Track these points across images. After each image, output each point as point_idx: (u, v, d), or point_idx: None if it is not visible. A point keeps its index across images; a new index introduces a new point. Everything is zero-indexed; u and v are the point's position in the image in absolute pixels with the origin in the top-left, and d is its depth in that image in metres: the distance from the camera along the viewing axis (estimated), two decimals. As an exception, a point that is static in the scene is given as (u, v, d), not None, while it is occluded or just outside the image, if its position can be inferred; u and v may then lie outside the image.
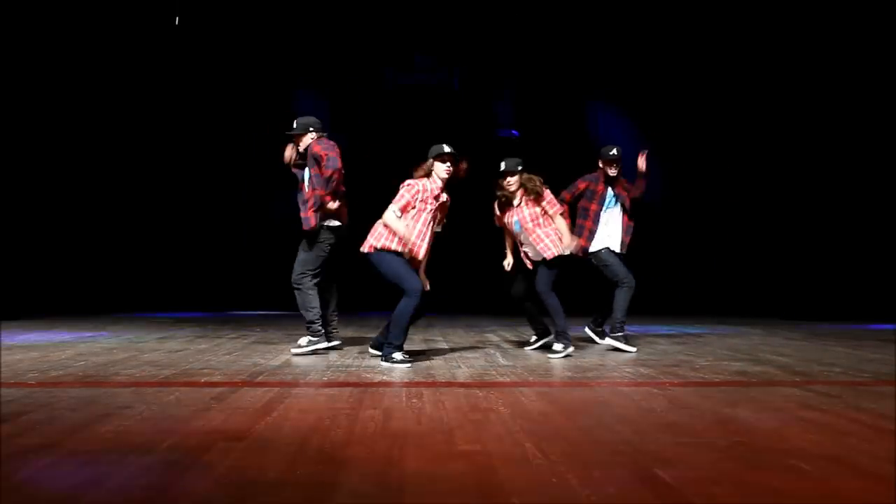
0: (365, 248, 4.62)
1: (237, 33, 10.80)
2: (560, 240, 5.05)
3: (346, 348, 5.44)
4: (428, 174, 4.70)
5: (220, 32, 10.74)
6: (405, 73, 10.97)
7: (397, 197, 4.64)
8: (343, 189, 5.16)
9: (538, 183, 5.10)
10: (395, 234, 4.54)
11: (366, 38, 10.82)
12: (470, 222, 7.38)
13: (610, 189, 5.68)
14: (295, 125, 5.19)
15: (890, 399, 3.31)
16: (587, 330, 6.01)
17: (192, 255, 11.08)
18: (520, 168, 5.13)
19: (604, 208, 5.64)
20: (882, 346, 5.77)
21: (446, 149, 4.67)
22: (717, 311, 10.35)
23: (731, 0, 10.51)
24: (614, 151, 5.67)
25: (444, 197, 4.75)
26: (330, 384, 3.71)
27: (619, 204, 5.69)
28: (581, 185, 5.69)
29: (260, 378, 3.90)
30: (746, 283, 11.18)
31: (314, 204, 4.99)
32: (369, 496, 1.88)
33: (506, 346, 5.77)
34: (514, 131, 11.11)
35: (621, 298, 5.48)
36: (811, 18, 10.29)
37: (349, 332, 6.79)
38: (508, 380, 3.91)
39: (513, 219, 5.16)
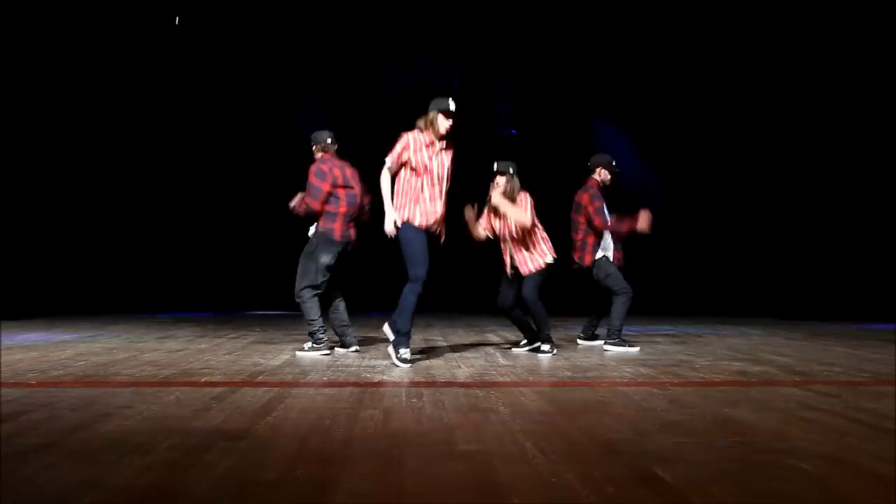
0: (399, 222, 4.49)
1: (237, 33, 10.79)
2: (541, 255, 5.14)
3: (345, 348, 5.44)
4: (427, 125, 4.57)
5: (219, 32, 10.73)
6: (405, 73, 10.97)
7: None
8: (358, 212, 5.12)
9: (516, 190, 5.10)
10: (414, 203, 4.49)
11: (366, 38, 10.82)
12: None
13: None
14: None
15: (890, 399, 3.31)
16: (580, 342, 5.97)
17: (192, 256, 11.07)
18: (511, 171, 5.10)
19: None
20: (882, 346, 5.77)
21: (452, 106, 4.56)
22: (717, 311, 10.35)
23: (732, 1, 10.51)
24: (614, 163, 5.74)
25: (439, 146, 4.57)
26: (330, 384, 3.71)
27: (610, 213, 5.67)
28: (597, 203, 5.55)
29: (260, 378, 3.90)
30: (746, 283, 11.18)
31: (304, 211, 5.07)
32: (369, 496, 1.89)
33: (506, 346, 5.77)
34: (513, 131, 11.10)
35: (620, 307, 5.48)
36: (810, 18, 10.29)
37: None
38: (508, 380, 3.91)
39: (499, 224, 5.21)
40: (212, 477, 2.03)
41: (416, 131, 4.57)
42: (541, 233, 5.27)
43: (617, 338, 5.41)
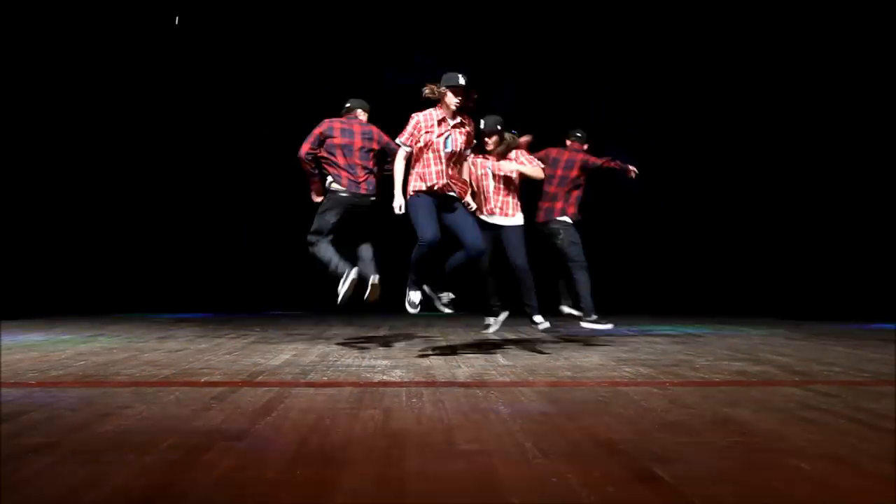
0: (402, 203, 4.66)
1: (237, 32, 10.79)
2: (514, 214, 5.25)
3: (345, 348, 5.44)
4: (437, 101, 4.61)
5: (219, 31, 10.73)
6: (405, 73, 10.97)
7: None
8: (337, 158, 5.30)
9: (510, 146, 5.18)
10: (421, 177, 4.57)
11: (366, 38, 10.81)
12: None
13: None
14: None
15: (890, 399, 3.31)
16: (566, 308, 6.03)
17: (192, 256, 11.06)
18: (499, 128, 5.13)
19: None
20: (882, 346, 5.77)
21: (461, 80, 4.55)
22: (717, 311, 10.35)
23: (731, 1, 10.52)
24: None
25: (451, 122, 4.61)
26: (330, 384, 3.71)
27: None
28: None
29: (260, 378, 3.90)
30: (746, 283, 11.17)
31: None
32: (369, 496, 1.89)
33: (506, 346, 5.77)
34: (513, 131, 11.09)
35: (587, 281, 5.67)
36: (810, 18, 10.29)
37: (349, 332, 6.79)
38: (508, 380, 3.91)
39: (482, 168, 5.23)
40: (212, 477, 2.03)
41: (426, 110, 4.61)
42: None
43: (594, 314, 5.65)
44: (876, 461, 2.22)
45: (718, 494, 1.89)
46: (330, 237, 5.26)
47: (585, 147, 6.13)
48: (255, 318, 8.60)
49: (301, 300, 9.95)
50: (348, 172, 5.26)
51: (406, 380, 3.87)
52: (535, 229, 5.85)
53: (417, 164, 4.67)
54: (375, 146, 5.38)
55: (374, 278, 5.23)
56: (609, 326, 5.78)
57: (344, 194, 5.25)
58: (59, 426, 2.66)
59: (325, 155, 5.34)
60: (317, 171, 5.39)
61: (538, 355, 5.07)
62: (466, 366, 4.47)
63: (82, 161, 10.46)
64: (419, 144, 4.62)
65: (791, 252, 11.00)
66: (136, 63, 10.65)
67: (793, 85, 10.83)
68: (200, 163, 11.16)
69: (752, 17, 10.53)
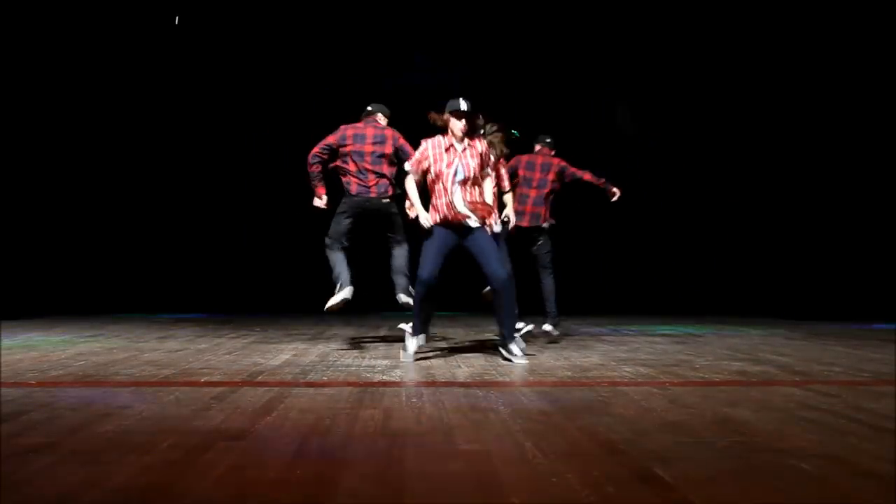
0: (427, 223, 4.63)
1: (237, 32, 10.79)
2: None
3: (345, 348, 5.44)
4: (444, 129, 4.60)
5: (219, 31, 10.73)
6: (405, 72, 10.96)
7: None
8: (347, 165, 5.29)
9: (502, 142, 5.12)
10: (435, 208, 4.56)
11: (366, 38, 10.81)
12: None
13: None
14: None
15: (890, 399, 3.31)
16: (549, 328, 6.08)
17: (192, 256, 11.06)
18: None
19: None
20: (882, 346, 5.77)
21: (463, 105, 4.53)
22: (717, 311, 10.35)
23: (731, 1, 10.52)
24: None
25: (459, 148, 4.54)
26: (330, 384, 3.71)
27: None
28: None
29: (260, 378, 3.90)
30: (746, 283, 11.17)
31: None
32: (369, 496, 1.89)
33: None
34: (513, 131, 11.08)
35: (553, 284, 5.84)
36: (810, 18, 10.29)
37: (349, 332, 6.79)
38: (508, 380, 3.92)
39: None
40: (212, 477, 2.03)
41: (435, 137, 4.61)
42: None
43: (555, 316, 5.94)
44: (876, 461, 2.22)
45: (718, 494, 1.89)
46: (344, 242, 5.29)
47: (553, 153, 6.20)
48: (256, 318, 8.59)
49: (301, 300, 9.97)
50: (358, 179, 5.24)
51: (406, 380, 3.87)
52: (519, 233, 5.84)
53: (431, 195, 4.66)
54: (388, 150, 5.28)
55: (400, 297, 5.26)
56: (530, 327, 5.79)
57: (354, 198, 5.26)
58: (59, 426, 2.66)
59: (339, 164, 5.33)
60: (321, 176, 5.37)
61: (538, 355, 5.07)
62: (466, 366, 4.47)
63: (83, 161, 10.45)
64: (430, 175, 4.60)
65: (791, 252, 10.99)
66: (137, 64, 10.65)
67: (792, 85, 10.83)
68: (200, 163, 11.15)
69: (752, 18, 10.52)
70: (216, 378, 3.88)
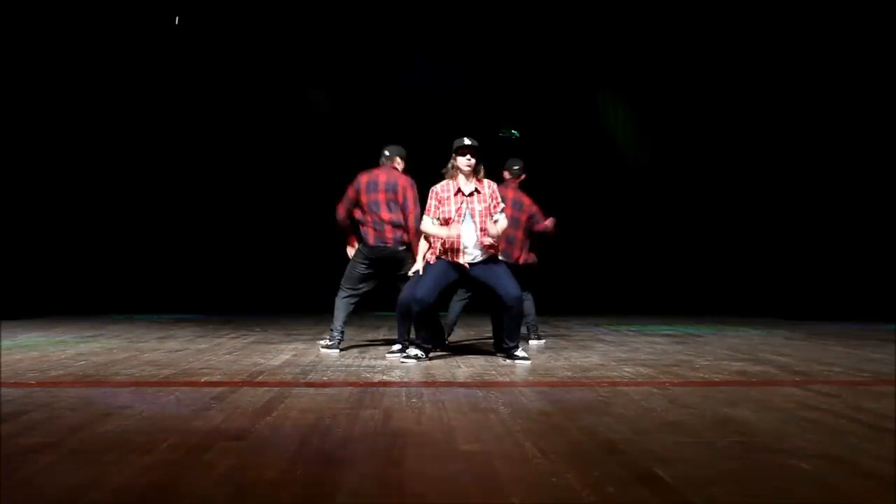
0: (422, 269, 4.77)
1: (237, 32, 10.79)
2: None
3: (345, 348, 5.44)
4: (452, 172, 4.63)
5: (219, 31, 10.73)
6: (405, 72, 10.96)
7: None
8: (365, 216, 5.24)
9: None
10: (442, 243, 4.63)
11: (366, 38, 10.81)
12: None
13: None
14: None
15: (890, 399, 3.31)
16: (536, 342, 5.94)
17: (193, 256, 11.06)
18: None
19: None
20: (882, 346, 5.77)
21: (466, 141, 4.59)
22: (717, 311, 10.35)
23: (732, 0, 10.52)
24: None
25: (466, 192, 4.59)
26: (330, 384, 3.71)
27: None
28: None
29: (260, 378, 3.90)
30: (746, 283, 11.18)
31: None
32: (369, 496, 1.89)
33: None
34: (513, 131, 11.09)
35: (532, 305, 5.88)
36: (810, 18, 10.29)
37: (349, 333, 6.79)
38: (508, 380, 3.92)
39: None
40: (212, 477, 2.03)
41: (443, 182, 4.69)
42: None
43: (536, 330, 5.95)
44: (876, 461, 2.22)
45: (718, 494, 1.89)
46: (358, 288, 5.31)
47: (521, 178, 5.80)
48: (256, 318, 8.60)
49: (301, 300, 9.97)
50: (375, 230, 5.20)
51: (406, 380, 3.87)
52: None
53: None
54: (401, 199, 5.20)
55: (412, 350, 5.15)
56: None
57: (372, 248, 5.23)
58: (59, 426, 2.66)
59: (357, 216, 5.30)
60: (351, 229, 5.39)
61: (538, 355, 5.07)
62: (466, 366, 4.47)
63: (83, 162, 10.46)
64: (438, 219, 4.66)
65: (791, 252, 11.00)
66: (137, 64, 10.65)
67: (792, 86, 10.84)
68: (200, 164, 11.16)
69: (752, 18, 10.52)
70: (216, 378, 3.88)
